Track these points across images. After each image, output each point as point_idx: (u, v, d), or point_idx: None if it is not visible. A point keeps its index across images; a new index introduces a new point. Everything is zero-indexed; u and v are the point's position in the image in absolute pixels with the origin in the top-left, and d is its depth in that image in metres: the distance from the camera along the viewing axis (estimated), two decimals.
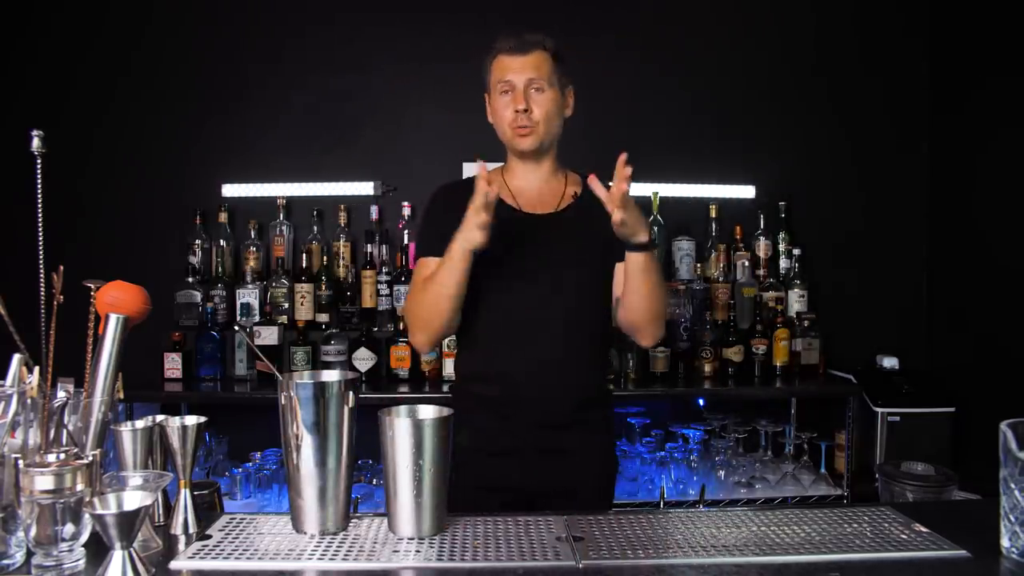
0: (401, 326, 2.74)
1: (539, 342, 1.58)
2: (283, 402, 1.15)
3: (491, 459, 1.57)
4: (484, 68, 1.68)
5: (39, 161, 1.10)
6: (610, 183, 1.43)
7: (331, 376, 1.21)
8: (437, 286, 1.53)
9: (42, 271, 1.11)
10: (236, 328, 2.76)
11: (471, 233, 1.44)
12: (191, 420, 1.18)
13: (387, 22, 2.96)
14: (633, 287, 1.56)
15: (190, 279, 2.82)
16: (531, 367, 1.58)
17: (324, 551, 1.08)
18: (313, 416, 1.14)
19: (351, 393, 1.17)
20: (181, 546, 1.11)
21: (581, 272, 1.62)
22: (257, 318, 2.79)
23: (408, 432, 1.12)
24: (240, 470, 2.53)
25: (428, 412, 1.19)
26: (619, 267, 1.64)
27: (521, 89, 1.60)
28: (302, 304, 2.80)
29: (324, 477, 1.14)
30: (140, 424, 1.17)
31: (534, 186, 1.69)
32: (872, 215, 3.11)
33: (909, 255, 3.12)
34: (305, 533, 1.15)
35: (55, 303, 1.07)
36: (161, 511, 1.20)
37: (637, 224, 1.46)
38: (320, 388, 1.14)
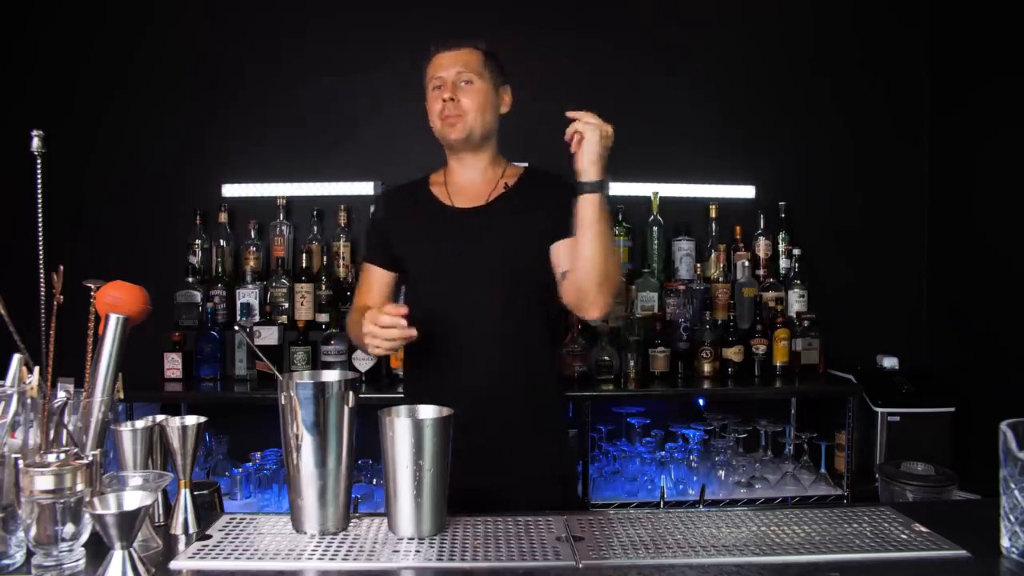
0: None
1: (470, 337, 1.57)
2: (283, 402, 1.15)
3: None
4: (423, 76, 1.71)
5: (39, 161, 1.10)
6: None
7: (331, 376, 1.21)
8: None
9: (42, 271, 1.11)
10: (236, 328, 2.76)
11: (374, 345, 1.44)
12: (191, 420, 1.18)
13: (387, 21, 2.96)
14: (582, 242, 1.49)
15: (190, 279, 2.82)
16: (464, 363, 1.57)
17: (324, 551, 1.08)
18: (313, 416, 1.14)
19: (351, 393, 1.17)
20: (181, 546, 1.11)
21: (510, 263, 1.60)
22: (257, 318, 2.79)
23: (408, 432, 1.12)
24: (240, 470, 2.52)
25: (428, 412, 1.20)
26: (560, 244, 1.60)
27: (449, 82, 1.63)
28: (302, 304, 2.80)
29: (324, 477, 1.14)
30: (140, 424, 1.17)
31: (469, 180, 1.70)
32: (872, 215, 3.11)
33: (909, 255, 3.12)
34: (305, 533, 1.15)
35: (55, 303, 1.08)
36: (161, 511, 1.20)
37: (592, 153, 1.44)
38: (320, 388, 1.14)
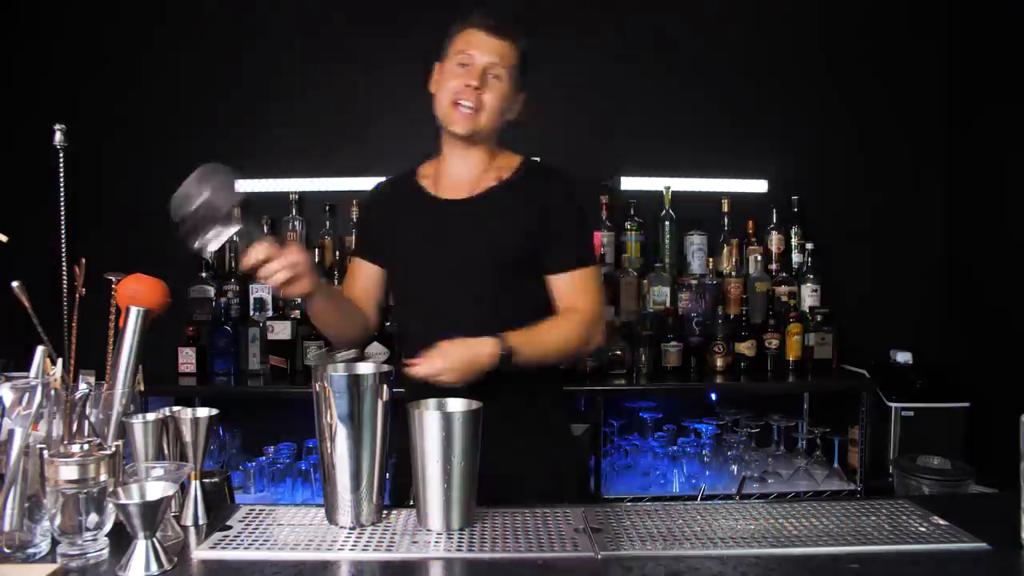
0: None
1: (450, 330, 1.45)
2: (317, 391, 1.15)
3: None
4: (448, 34, 1.62)
5: (61, 155, 1.11)
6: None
7: (366, 368, 1.21)
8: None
9: (64, 264, 1.12)
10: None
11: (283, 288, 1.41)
12: (202, 412, 1.18)
13: (398, 19, 2.96)
14: None
15: (203, 274, 2.83)
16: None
17: (355, 542, 1.08)
18: (348, 408, 1.13)
19: (385, 386, 1.17)
20: (192, 537, 1.12)
21: (496, 257, 1.54)
22: (271, 313, 2.80)
23: (438, 425, 1.11)
24: (254, 464, 2.54)
25: (457, 405, 1.19)
26: (551, 280, 1.58)
27: (480, 67, 1.53)
28: None
29: (359, 469, 1.14)
30: (151, 416, 1.15)
31: (459, 173, 1.62)
32: (886, 208, 3.09)
33: (923, 249, 3.10)
34: (337, 524, 1.15)
35: (77, 295, 1.09)
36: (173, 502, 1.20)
37: (470, 366, 1.40)
38: (355, 380, 1.15)
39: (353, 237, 2.85)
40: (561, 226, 1.57)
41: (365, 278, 1.70)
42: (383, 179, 1.80)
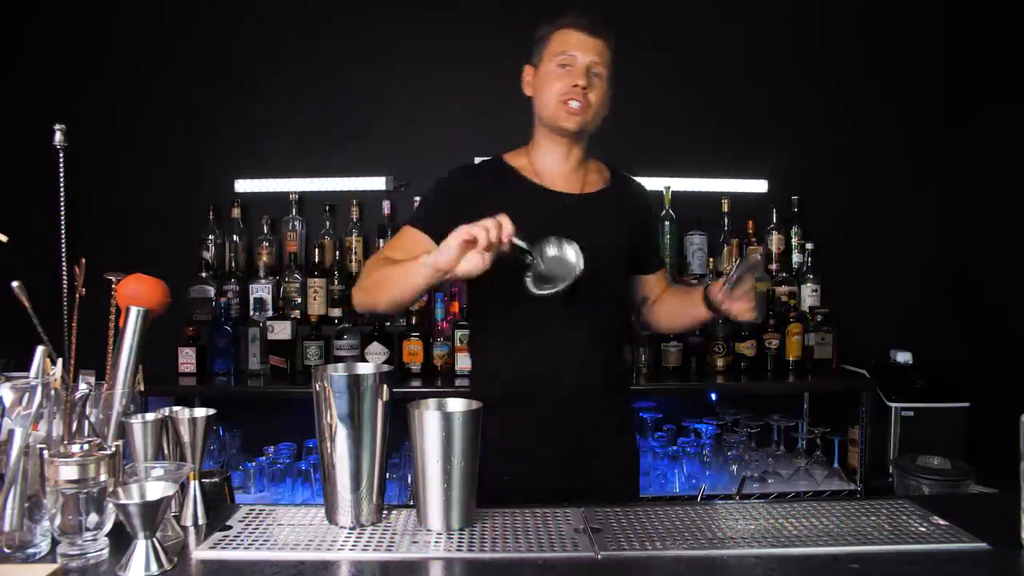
0: (414, 320, 2.74)
1: (563, 329, 1.53)
2: (317, 391, 1.15)
3: (511, 453, 1.51)
4: (540, 36, 1.62)
5: (61, 155, 1.11)
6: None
7: (366, 368, 1.21)
8: (397, 279, 1.42)
9: (64, 265, 1.12)
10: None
11: (448, 257, 1.28)
12: (200, 412, 1.17)
13: (397, 19, 2.96)
14: (679, 320, 1.74)
15: (203, 274, 2.83)
16: (555, 354, 1.54)
17: (356, 542, 1.08)
18: (348, 408, 1.13)
19: (385, 386, 1.17)
20: (191, 537, 1.12)
21: (612, 256, 1.59)
22: (271, 313, 2.80)
23: (438, 425, 1.11)
24: (254, 464, 2.54)
25: (458, 405, 1.19)
26: (650, 278, 1.75)
27: (583, 67, 1.54)
28: (315, 299, 2.81)
29: (359, 469, 1.14)
30: (150, 417, 1.15)
31: (560, 169, 1.64)
32: (885, 208, 3.09)
33: (923, 249, 3.10)
34: (337, 524, 1.15)
35: (77, 296, 1.09)
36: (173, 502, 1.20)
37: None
38: (355, 380, 1.14)
39: (353, 237, 2.87)
40: (653, 231, 1.82)
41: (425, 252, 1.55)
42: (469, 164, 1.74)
